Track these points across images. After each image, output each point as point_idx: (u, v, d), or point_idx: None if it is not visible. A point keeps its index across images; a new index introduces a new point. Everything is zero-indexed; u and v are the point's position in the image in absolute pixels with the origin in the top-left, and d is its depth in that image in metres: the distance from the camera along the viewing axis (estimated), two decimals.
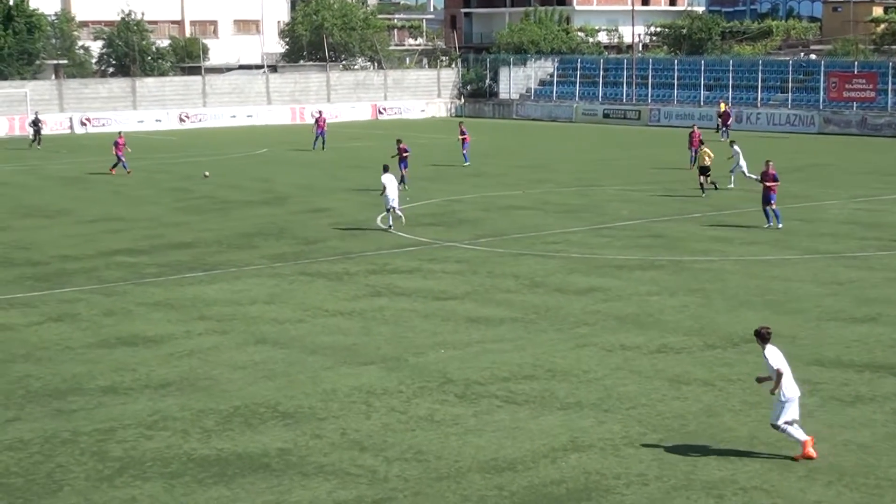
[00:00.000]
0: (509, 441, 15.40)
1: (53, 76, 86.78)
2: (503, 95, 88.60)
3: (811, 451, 14.40)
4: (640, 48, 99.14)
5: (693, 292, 24.51)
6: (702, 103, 76.50)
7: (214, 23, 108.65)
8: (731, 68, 76.69)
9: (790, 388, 14.50)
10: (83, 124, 75.17)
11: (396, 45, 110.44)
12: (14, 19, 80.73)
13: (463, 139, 51.65)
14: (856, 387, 17.56)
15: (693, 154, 46.77)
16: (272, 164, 53.50)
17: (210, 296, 24.72)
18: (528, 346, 20.31)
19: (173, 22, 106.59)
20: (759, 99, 74.29)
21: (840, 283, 25.13)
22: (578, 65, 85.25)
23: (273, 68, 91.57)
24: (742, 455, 14.71)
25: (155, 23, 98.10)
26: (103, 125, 75.68)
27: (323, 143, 59.76)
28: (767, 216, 32.55)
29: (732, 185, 41.12)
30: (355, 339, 20.86)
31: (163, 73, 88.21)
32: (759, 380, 15.07)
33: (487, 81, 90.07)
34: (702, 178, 39.54)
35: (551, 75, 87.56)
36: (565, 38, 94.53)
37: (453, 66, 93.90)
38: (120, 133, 52.21)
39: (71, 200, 40.93)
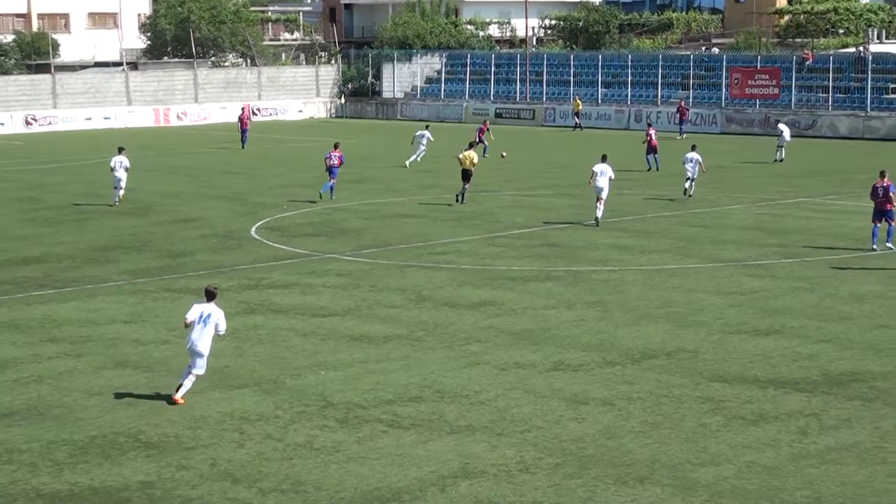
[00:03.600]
0: (395, 469, 15.45)
1: None
2: (387, 94, 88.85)
3: (178, 399, 18.17)
4: (534, 42, 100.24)
5: (591, 305, 24.89)
6: (599, 101, 77.73)
7: (66, 16, 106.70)
8: (629, 63, 78.01)
9: (189, 341, 18.23)
10: None
11: (271, 39, 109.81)
12: None
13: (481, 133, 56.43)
14: (760, 404, 18.02)
15: (649, 157, 50.08)
16: (133, 170, 52.61)
17: (62, 315, 24.29)
18: (415, 365, 20.40)
19: (18, 15, 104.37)
20: (658, 97, 75.74)
21: (743, 294, 25.78)
22: (468, 60, 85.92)
23: (133, 66, 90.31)
24: (643, 479, 14.98)
25: None
26: None
27: (244, 142, 62.21)
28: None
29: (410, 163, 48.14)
30: (227, 360, 20.69)
31: (6, 72, 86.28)
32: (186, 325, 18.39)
33: (370, 79, 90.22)
34: (466, 184, 39.62)
35: (438, 72, 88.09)
36: (453, 31, 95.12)
37: (333, 62, 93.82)
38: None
39: None
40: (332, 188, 40.65)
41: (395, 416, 17.58)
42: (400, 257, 30.52)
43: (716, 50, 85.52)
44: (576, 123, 73.17)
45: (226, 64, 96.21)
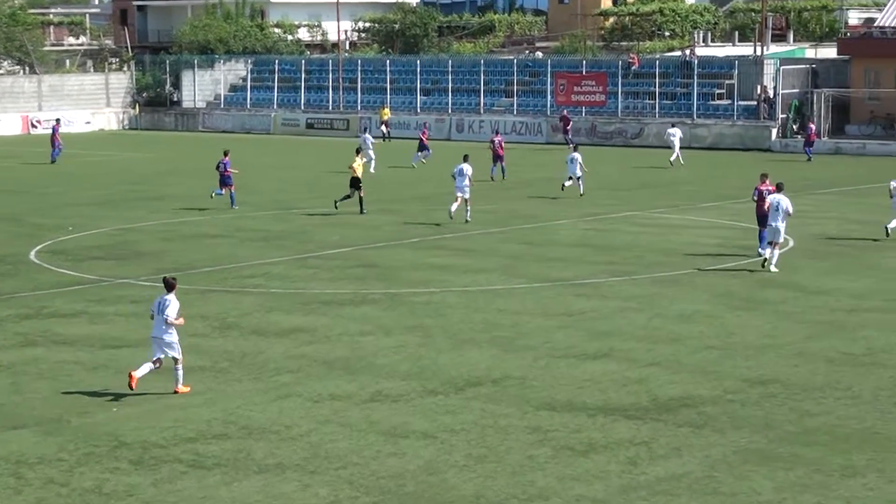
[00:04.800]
0: None
1: None
2: (187, 104, 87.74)
3: (133, 381, 20.13)
4: (347, 47, 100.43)
5: (411, 330, 24.97)
6: (419, 109, 78.26)
7: None
8: (450, 69, 78.72)
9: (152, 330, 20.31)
10: None
11: (53, 44, 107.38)
12: None
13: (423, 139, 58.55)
14: (589, 433, 18.30)
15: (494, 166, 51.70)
16: None
17: None
18: (220, 399, 20.14)
19: None
20: (481, 104, 76.66)
21: (571, 315, 26.23)
22: (276, 67, 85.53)
23: None
24: None
25: None
26: None
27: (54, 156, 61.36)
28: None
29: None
30: (2, 398, 20.10)
31: None
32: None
33: (167, 87, 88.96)
34: (360, 193, 41.24)
35: (244, 79, 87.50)
36: (259, 35, 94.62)
37: (125, 69, 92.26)
38: None
39: None
40: (232, 197, 42.37)
41: (196, 456, 17.31)
42: (203, 281, 30.12)
43: (539, 54, 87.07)
44: (384, 133, 73.15)
45: (0, 72, 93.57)
